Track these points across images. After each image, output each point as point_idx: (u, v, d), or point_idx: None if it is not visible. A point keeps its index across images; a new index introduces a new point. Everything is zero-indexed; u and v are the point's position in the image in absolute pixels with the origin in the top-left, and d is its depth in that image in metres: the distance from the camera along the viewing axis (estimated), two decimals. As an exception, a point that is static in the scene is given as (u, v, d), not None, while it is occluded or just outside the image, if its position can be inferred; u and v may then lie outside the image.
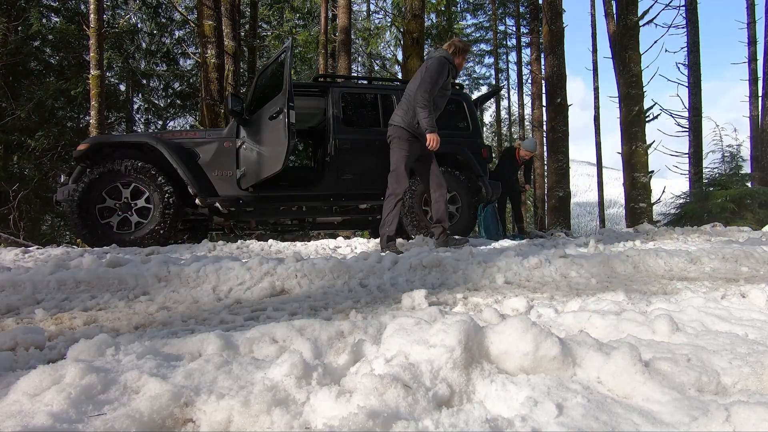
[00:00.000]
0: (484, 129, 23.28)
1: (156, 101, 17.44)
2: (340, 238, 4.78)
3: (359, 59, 22.26)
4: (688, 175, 13.63)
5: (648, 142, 9.74)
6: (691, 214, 9.95)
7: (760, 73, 14.02)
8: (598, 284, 2.69)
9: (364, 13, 22.05)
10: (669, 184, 11.62)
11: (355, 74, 19.89)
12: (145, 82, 16.89)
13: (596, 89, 17.17)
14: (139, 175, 4.58)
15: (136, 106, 17.28)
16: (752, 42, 14.19)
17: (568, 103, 11.35)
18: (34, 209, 11.98)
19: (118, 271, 2.54)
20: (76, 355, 1.18)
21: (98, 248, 4.12)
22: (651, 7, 11.13)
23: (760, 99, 13.93)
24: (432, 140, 4.01)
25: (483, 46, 24.74)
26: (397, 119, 4.12)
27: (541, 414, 0.85)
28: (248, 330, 1.38)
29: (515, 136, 26.79)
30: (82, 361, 1.00)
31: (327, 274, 2.67)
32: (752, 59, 14.19)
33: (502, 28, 23.05)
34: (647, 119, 9.86)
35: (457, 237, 4.34)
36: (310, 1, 18.25)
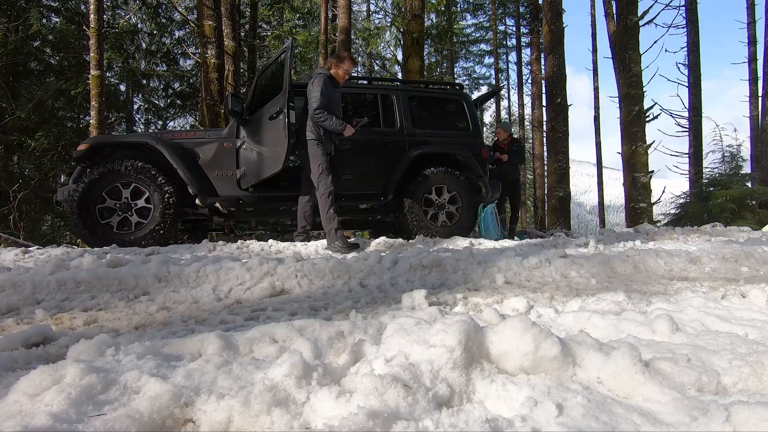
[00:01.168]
0: (484, 129, 23.26)
1: (156, 101, 17.44)
2: (340, 238, 4.77)
3: (359, 59, 22.26)
4: (688, 175, 13.62)
5: (648, 142, 9.74)
6: (691, 214, 9.96)
7: (760, 73, 14.02)
8: (598, 284, 2.69)
9: (364, 13, 22.05)
10: (669, 184, 11.60)
11: (355, 74, 19.88)
12: (145, 82, 16.89)
13: (596, 89, 17.17)
14: (139, 175, 4.57)
15: (136, 106, 17.29)
16: (752, 42, 14.18)
17: (569, 103, 11.35)
18: (34, 209, 11.97)
19: (118, 271, 2.54)
20: (76, 356, 1.18)
21: (98, 248, 4.12)
22: (651, 7, 11.14)
23: (760, 99, 13.92)
24: (349, 132, 4.41)
25: (483, 46, 24.76)
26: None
27: (541, 414, 0.85)
28: (248, 330, 1.38)
29: (515, 136, 26.77)
30: (82, 361, 1.00)
31: (327, 274, 2.67)
32: (752, 59, 14.19)
33: (502, 28, 23.05)
34: (647, 119, 9.85)
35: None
36: (310, 1, 18.24)
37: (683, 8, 13.41)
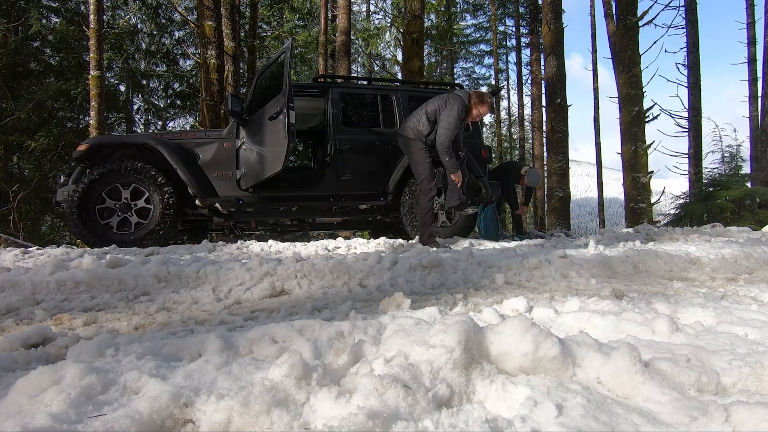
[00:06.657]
0: (484, 129, 23.26)
1: (156, 102, 17.44)
2: (339, 239, 4.77)
3: (359, 60, 22.27)
4: (688, 175, 13.62)
5: (648, 143, 9.74)
6: (691, 214, 9.95)
7: (759, 74, 14.01)
8: (598, 284, 2.69)
9: (364, 13, 22.06)
10: (669, 184, 11.61)
11: (355, 75, 19.89)
12: (145, 82, 16.89)
13: (596, 89, 17.18)
14: (138, 175, 4.57)
15: (136, 107, 17.30)
16: (752, 42, 14.17)
17: (569, 104, 11.35)
18: (34, 210, 11.96)
19: (117, 271, 2.54)
20: (76, 356, 1.18)
21: (98, 249, 4.11)
22: (651, 7, 11.15)
23: (759, 99, 13.92)
24: (457, 178, 4.55)
25: (483, 46, 24.80)
26: (410, 133, 4.51)
27: (541, 414, 0.85)
28: (248, 330, 1.38)
29: (515, 137, 26.80)
30: (82, 362, 1.00)
31: (327, 274, 2.67)
32: (752, 60, 14.18)
33: (501, 28, 23.04)
34: (647, 119, 9.85)
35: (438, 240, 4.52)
36: (310, 1, 18.25)
37: (683, 8, 13.42)
